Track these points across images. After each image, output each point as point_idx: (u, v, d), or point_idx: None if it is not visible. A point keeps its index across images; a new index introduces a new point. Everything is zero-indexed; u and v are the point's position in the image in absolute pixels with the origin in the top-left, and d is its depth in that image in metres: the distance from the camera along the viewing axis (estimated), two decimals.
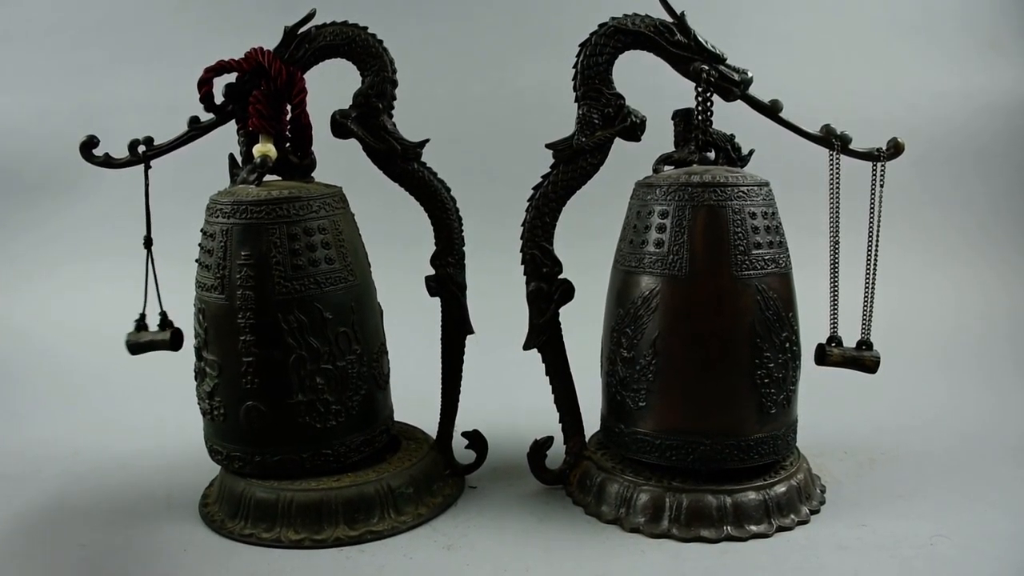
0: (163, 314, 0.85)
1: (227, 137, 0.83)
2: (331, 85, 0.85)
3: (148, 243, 0.83)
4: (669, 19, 0.79)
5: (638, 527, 0.77)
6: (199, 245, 0.79)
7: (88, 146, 0.80)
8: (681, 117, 0.83)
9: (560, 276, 0.84)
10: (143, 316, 0.85)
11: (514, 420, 1.02)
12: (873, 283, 0.78)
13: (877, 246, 0.78)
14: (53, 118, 1.43)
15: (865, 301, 0.79)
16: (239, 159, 0.83)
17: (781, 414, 0.78)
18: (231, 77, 0.80)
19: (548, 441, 0.87)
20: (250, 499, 0.78)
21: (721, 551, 0.74)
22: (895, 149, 0.77)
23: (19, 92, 1.44)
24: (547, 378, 0.87)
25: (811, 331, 0.82)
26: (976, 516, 0.80)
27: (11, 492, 0.89)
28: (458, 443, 0.89)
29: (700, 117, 0.80)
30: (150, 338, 0.84)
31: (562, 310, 0.85)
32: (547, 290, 0.83)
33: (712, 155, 0.82)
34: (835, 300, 0.80)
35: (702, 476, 0.78)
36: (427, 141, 0.83)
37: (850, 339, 0.80)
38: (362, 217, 0.85)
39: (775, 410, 0.77)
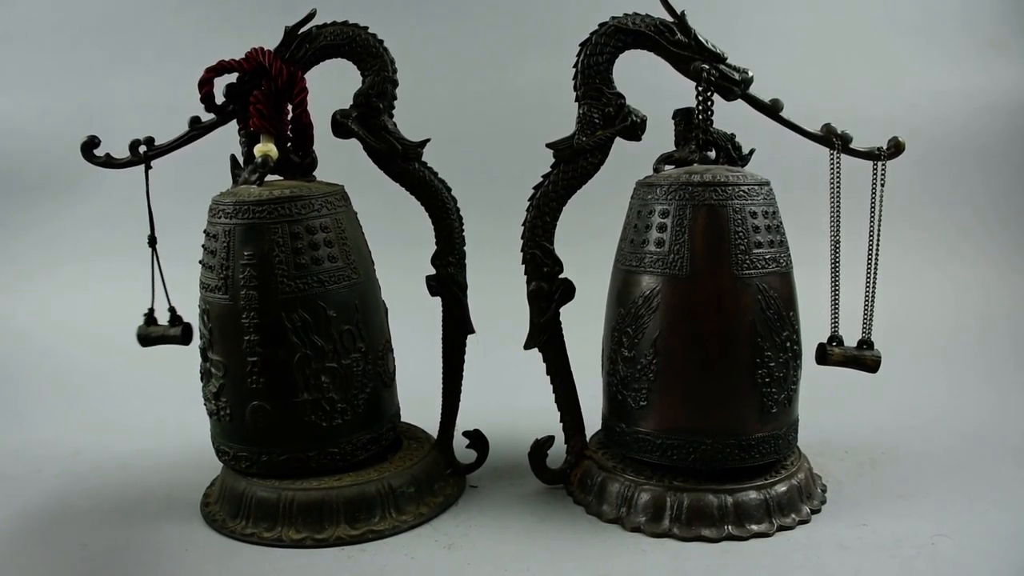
0: (172, 309, 0.85)
1: (228, 137, 0.84)
2: (332, 85, 0.85)
3: (152, 241, 0.84)
4: (669, 18, 0.79)
5: (639, 526, 0.77)
6: (202, 246, 0.79)
7: (89, 146, 0.80)
8: (682, 116, 0.83)
9: (561, 275, 0.84)
10: (152, 310, 0.85)
11: (515, 420, 1.02)
12: (874, 282, 0.79)
13: (878, 245, 0.78)
14: (54, 118, 1.43)
15: (866, 300, 0.79)
16: (240, 159, 0.83)
17: (782, 413, 0.78)
18: (232, 77, 0.80)
19: (549, 440, 0.87)
20: (251, 498, 0.78)
21: (722, 550, 0.74)
22: (896, 148, 0.77)
23: (20, 92, 1.44)
24: (548, 377, 0.87)
25: (812, 330, 0.82)
26: (977, 516, 0.80)
27: (12, 492, 0.89)
28: (459, 442, 0.89)
29: (700, 116, 0.80)
30: (161, 332, 0.85)
31: (563, 309, 0.85)
32: (548, 289, 0.83)
33: (713, 154, 0.82)
34: (836, 299, 0.80)
35: (703, 475, 0.78)
36: (428, 141, 0.83)
37: (851, 338, 0.80)
38: (363, 217, 0.85)
39: (776, 409, 0.77)
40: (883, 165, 0.77)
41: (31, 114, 1.44)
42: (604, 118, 0.81)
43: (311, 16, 0.81)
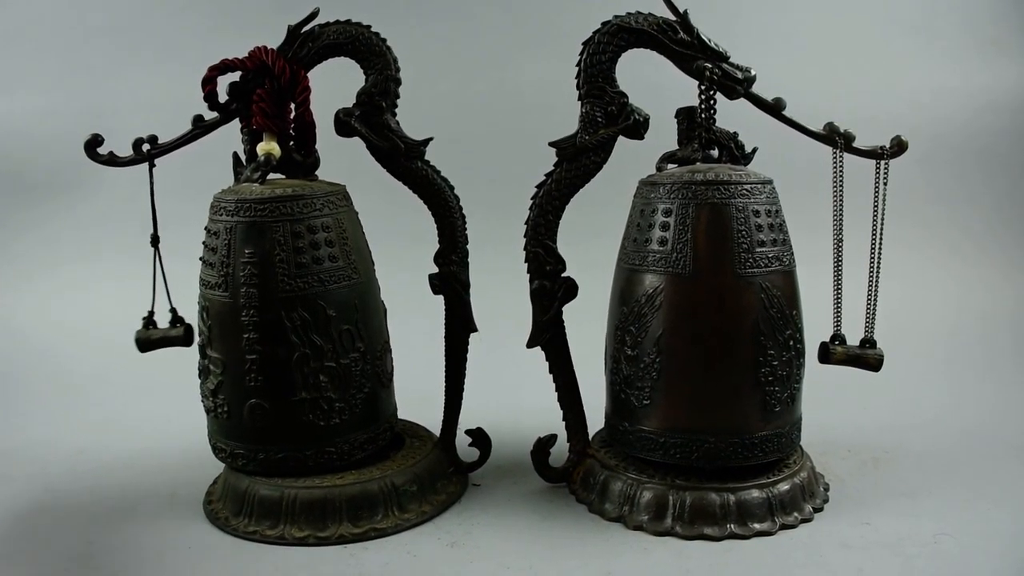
0: (173, 310, 0.85)
1: (231, 136, 0.84)
2: (334, 83, 0.85)
3: (155, 241, 0.83)
4: (672, 17, 0.79)
5: (641, 525, 0.77)
6: (203, 243, 0.79)
7: (93, 144, 0.80)
8: (684, 115, 0.83)
9: (563, 274, 0.84)
10: (152, 313, 0.85)
11: (517, 418, 1.02)
12: (877, 281, 0.79)
13: (881, 244, 0.78)
14: (55, 118, 1.43)
15: (869, 299, 0.79)
16: (243, 157, 0.83)
17: (785, 412, 0.78)
18: (235, 76, 0.80)
19: (551, 439, 0.87)
20: (254, 496, 0.78)
21: (725, 549, 0.74)
22: (898, 147, 0.77)
23: (22, 92, 1.45)
24: (550, 376, 0.87)
25: (815, 329, 0.82)
26: (979, 514, 0.80)
27: (15, 491, 0.89)
28: (462, 441, 0.89)
29: (703, 115, 0.80)
30: (162, 334, 0.85)
31: (565, 308, 0.85)
32: (551, 288, 0.83)
33: (715, 153, 0.82)
34: (839, 298, 0.80)
35: (706, 474, 0.78)
36: (430, 139, 0.83)
37: (854, 337, 0.80)
38: (365, 215, 0.85)
39: (779, 408, 0.77)
40: (886, 164, 0.77)
41: (34, 113, 1.45)
42: (607, 117, 0.81)
43: (314, 15, 0.81)
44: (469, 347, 0.88)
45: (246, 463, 0.79)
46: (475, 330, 0.87)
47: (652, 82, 0.86)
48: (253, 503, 0.78)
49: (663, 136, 0.85)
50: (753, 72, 0.78)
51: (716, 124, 0.80)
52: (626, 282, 0.80)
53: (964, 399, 1.11)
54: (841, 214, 0.78)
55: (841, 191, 0.78)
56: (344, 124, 0.81)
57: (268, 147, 0.79)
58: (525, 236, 0.83)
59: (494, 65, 1.45)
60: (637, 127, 0.81)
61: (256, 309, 0.75)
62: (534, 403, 0.95)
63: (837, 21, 1.44)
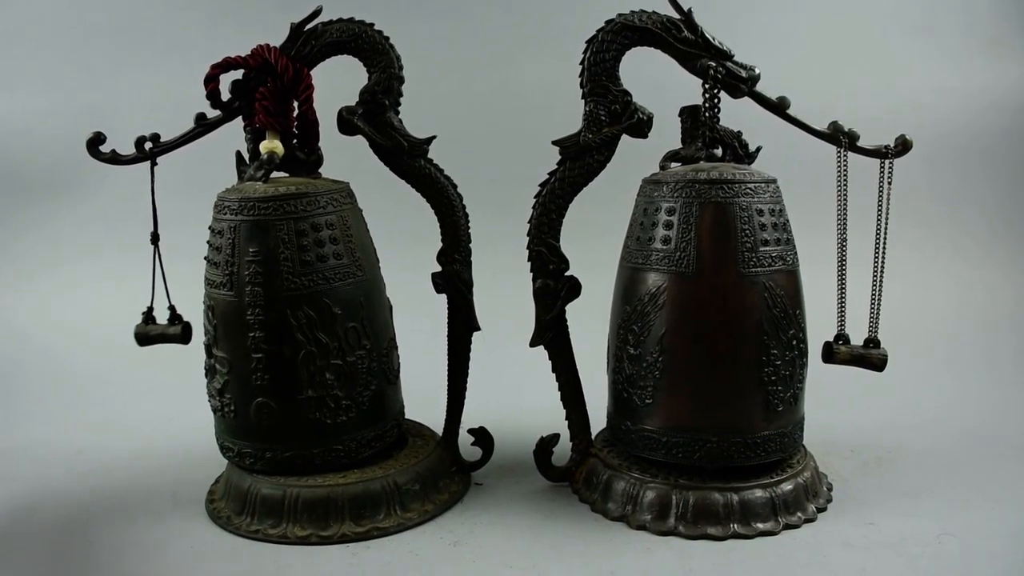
0: (172, 308, 0.85)
1: (234, 134, 0.83)
2: (337, 81, 0.85)
3: (155, 239, 0.83)
4: (676, 16, 0.79)
5: (644, 524, 0.77)
6: (207, 242, 0.79)
7: (95, 143, 0.80)
8: (688, 114, 0.83)
9: (567, 273, 0.84)
10: (151, 309, 0.84)
11: (520, 417, 1.02)
12: (881, 281, 0.78)
13: (885, 244, 0.78)
14: (57, 117, 1.43)
15: (872, 299, 0.79)
16: (246, 156, 0.83)
17: (788, 411, 0.78)
18: (238, 74, 0.80)
19: (554, 438, 0.87)
20: (256, 495, 0.78)
21: (728, 549, 0.74)
22: (903, 146, 0.77)
23: (24, 91, 1.44)
24: (553, 375, 0.87)
25: (818, 329, 0.82)
26: (983, 514, 0.79)
27: (16, 491, 0.88)
28: (464, 440, 0.89)
29: (707, 114, 0.80)
30: (160, 331, 0.84)
31: (569, 307, 0.85)
32: (554, 287, 0.83)
33: (719, 152, 0.82)
34: (842, 298, 0.80)
35: (709, 473, 0.78)
36: (434, 138, 0.83)
37: (857, 337, 0.80)
38: (368, 214, 0.85)
39: (782, 407, 0.77)
40: (890, 163, 0.77)
41: (32, 114, 1.44)
42: (610, 115, 0.81)
43: (317, 13, 0.81)
44: (472, 346, 0.88)
45: (253, 462, 0.79)
46: (478, 329, 0.87)
47: (656, 80, 0.86)
48: (255, 502, 0.78)
49: (667, 135, 0.85)
50: (757, 71, 0.78)
51: (720, 123, 0.80)
52: (629, 281, 0.80)
53: (966, 399, 1.11)
54: (845, 213, 0.78)
55: (845, 190, 0.78)
56: (347, 122, 0.81)
57: (271, 145, 0.79)
58: (528, 235, 0.83)
59: (496, 64, 1.45)
60: (641, 125, 0.81)
61: (261, 308, 0.75)
62: (537, 402, 0.94)
63: (839, 20, 1.44)
